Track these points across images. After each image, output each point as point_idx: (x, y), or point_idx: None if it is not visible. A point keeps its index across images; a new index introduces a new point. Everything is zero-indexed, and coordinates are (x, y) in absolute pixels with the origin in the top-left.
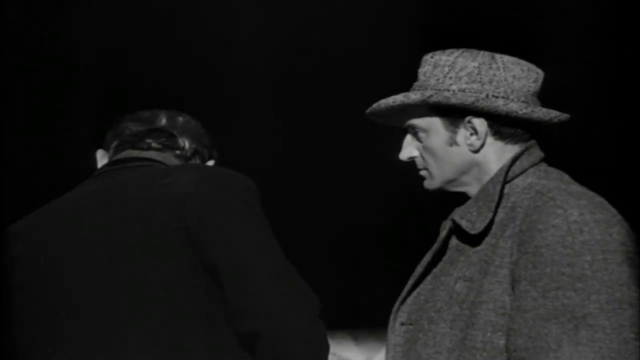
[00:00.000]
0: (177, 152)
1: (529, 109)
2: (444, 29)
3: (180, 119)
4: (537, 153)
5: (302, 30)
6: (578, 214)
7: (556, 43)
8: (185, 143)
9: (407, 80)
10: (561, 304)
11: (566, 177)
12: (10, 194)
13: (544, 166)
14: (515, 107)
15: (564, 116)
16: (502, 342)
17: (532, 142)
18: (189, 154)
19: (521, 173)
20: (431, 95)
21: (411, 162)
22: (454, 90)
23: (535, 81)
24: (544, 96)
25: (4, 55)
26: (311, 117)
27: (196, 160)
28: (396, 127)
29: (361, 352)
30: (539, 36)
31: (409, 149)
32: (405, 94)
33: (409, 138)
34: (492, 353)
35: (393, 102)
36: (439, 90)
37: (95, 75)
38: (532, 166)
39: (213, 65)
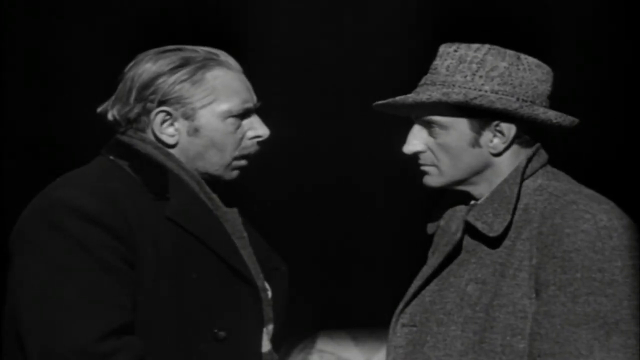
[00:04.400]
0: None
1: (562, 118)
2: (444, 29)
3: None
4: (544, 154)
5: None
6: (607, 219)
7: (562, 42)
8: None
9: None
10: (592, 309)
11: (571, 178)
12: (9, 192)
13: (549, 167)
14: (552, 115)
15: (577, 121)
16: (521, 345)
17: (539, 144)
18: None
19: (532, 174)
20: (475, 98)
21: (413, 156)
22: (486, 91)
23: (551, 85)
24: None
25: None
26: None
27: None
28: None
29: (361, 352)
30: (544, 35)
31: (415, 143)
32: (444, 91)
33: (416, 131)
34: (512, 357)
35: (427, 98)
36: (469, 88)
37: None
38: (541, 167)
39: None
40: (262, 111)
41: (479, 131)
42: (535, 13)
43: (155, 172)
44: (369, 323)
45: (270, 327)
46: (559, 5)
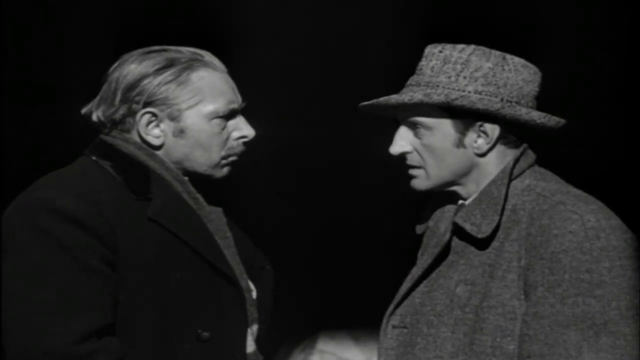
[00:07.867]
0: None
1: (546, 118)
2: (442, 29)
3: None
4: (531, 155)
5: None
6: (595, 219)
7: (556, 42)
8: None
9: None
10: (581, 310)
11: (559, 178)
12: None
13: (537, 167)
14: (535, 115)
15: (563, 121)
16: (511, 347)
17: (526, 144)
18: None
19: (519, 175)
20: (456, 99)
21: (401, 157)
22: (469, 91)
23: (539, 85)
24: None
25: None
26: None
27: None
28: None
29: (361, 352)
30: (540, 35)
31: (402, 144)
32: (426, 92)
33: (402, 132)
34: (502, 358)
35: (409, 99)
36: (453, 89)
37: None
38: (528, 167)
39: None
40: (247, 111)
41: (463, 132)
42: (530, 15)
43: (137, 172)
44: (369, 323)
45: (255, 327)
46: (553, 8)
